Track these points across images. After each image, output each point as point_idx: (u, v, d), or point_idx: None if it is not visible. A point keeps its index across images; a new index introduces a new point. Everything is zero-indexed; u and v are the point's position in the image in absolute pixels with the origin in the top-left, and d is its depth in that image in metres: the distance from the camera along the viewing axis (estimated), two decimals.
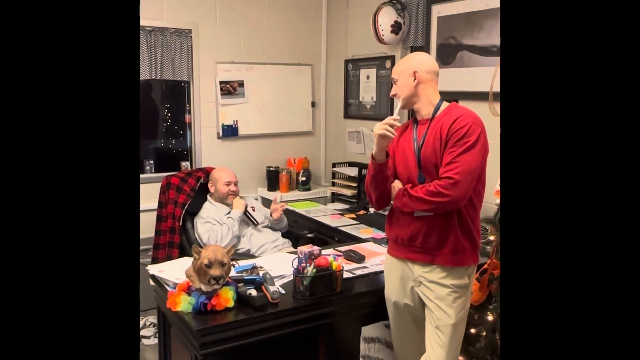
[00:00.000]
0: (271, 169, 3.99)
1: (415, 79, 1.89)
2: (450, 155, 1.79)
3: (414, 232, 1.90)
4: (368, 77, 3.86)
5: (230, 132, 3.87)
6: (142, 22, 3.42)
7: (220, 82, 3.80)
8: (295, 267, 2.03)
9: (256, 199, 3.86)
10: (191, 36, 3.63)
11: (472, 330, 2.20)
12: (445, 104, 1.93)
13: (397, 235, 1.96)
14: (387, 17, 3.37)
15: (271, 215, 3.12)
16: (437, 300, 1.87)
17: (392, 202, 1.95)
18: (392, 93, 1.98)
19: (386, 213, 2.08)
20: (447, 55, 3.16)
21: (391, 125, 1.82)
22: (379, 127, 1.83)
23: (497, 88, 2.19)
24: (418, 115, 1.96)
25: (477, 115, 1.85)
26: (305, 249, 2.06)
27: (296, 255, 2.07)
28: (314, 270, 2.00)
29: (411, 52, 3.51)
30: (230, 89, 3.85)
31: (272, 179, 3.99)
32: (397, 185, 1.94)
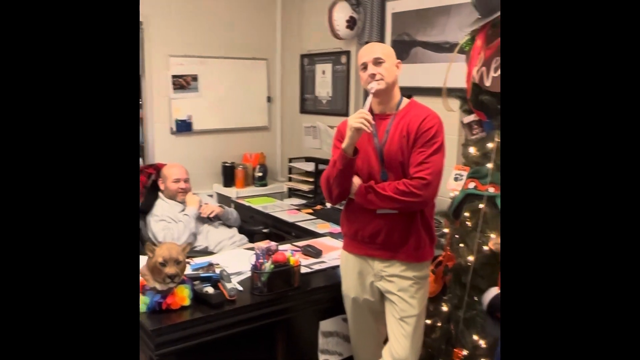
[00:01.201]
0: (227, 164, 3.94)
1: (398, 69, 1.89)
2: (421, 155, 1.79)
3: (376, 229, 1.89)
4: (324, 72, 3.86)
5: (184, 127, 3.79)
6: None
7: (173, 76, 3.71)
8: (253, 263, 2.01)
9: (211, 196, 3.81)
10: (143, 28, 3.53)
11: (428, 321, 2.24)
12: (405, 100, 1.93)
13: (356, 231, 1.95)
14: (342, 13, 3.38)
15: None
16: (400, 293, 1.89)
17: (351, 197, 1.94)
18: (372, 72, 1.82)
19: (342, 207, 2.08)
20: (402, 51, 3.19)
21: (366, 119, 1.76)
22: (355, 121, 1.75)
23: (450, 84, 2.24)
24: (378, 109, 1.92)
25: (438, 114, 1.88)
26: (262, 244, 2.04)
27: (253, 252, 2.05)
28: (272, 266, 1.98)
29: None
30: (183, 83, 3.76)
31: (228, 175, 3.94)
32: (356, 181, 1.90)
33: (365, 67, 1.86)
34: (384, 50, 1.88)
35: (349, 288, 2.03)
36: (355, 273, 1.99)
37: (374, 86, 1.83)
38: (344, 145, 1.81)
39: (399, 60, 1.91)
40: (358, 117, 1.75)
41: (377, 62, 1.84)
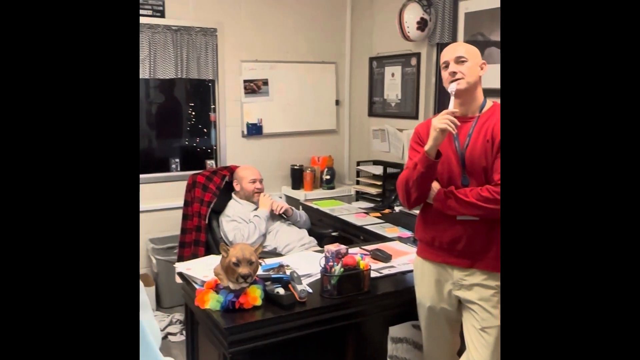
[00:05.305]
0: (295, 167, 3.99)
1: (482, 70, 1.82)
2: None
3: (456, 235, 1.81)
4: (393, 74, 3.82)
5: (254, 130, 3.88)
6: (168, 22, 3.45)
7: (245, 81, 3.81)
8: (323, 265, 2.01)
9: (280, 197, 3.87)
10: (216, 35, 3.65)
11: None
12: (489, 103, 1.85)
13: (433, 237, 1.87)
14: (413, 14, 3.33)
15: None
16: (481, 302, 1.80)
17: (429, 202, 1.87)
18: (453, 70, 1.77)
19: (414, 212, 2.03)
20: None
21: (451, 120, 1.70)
22: (441, 121, 1.70)
23: None
24: (460, 111, 1.81)
25: None
26: (332, 247, 2.04)
27: (323, 254, 2.05)
28: (342, 269, 1.98)
29: (438, 49, 3.47)
30: (254, 87, 3.85)
31: (296, 178, 3.98)
32: (435, 186, 1.83)
33: (447, 65, 1.81)
34: (468, 49, 1.83)
35: (425, 296, 1.96)
36: (432, 281, 1.92)
37: (453, 87, 1.78)
38: (427, 147, 1.75)
39: (483, 61, 1.84)
40: (443, 118, 1.70)
41: (459, 60, 1.78)
